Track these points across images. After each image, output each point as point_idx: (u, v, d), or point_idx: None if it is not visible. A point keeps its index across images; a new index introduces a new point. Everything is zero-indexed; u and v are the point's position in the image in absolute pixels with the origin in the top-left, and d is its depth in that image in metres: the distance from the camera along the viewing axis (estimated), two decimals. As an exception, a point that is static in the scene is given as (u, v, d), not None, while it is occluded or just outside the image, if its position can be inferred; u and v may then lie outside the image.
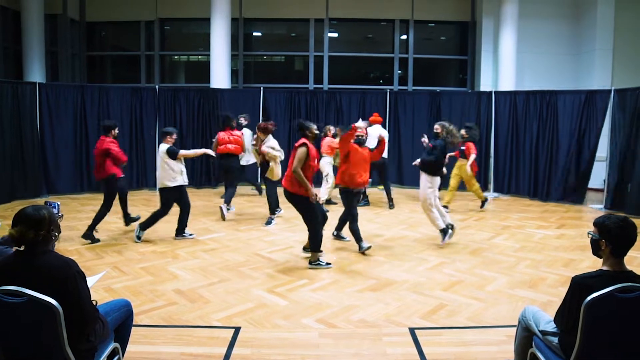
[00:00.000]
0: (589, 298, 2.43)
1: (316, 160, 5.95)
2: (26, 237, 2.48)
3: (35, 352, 2.48)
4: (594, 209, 9.64)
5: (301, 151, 5.64)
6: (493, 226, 8.08)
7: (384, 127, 10.54)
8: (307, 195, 5.62)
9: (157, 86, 11.84)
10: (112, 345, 2.85)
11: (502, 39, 12.53)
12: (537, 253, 6.49)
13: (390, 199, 9.41)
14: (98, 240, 6.69)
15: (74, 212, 8.55)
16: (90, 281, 3.07)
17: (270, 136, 7.85)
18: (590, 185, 10.25)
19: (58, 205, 2.96)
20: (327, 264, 5.78)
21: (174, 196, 6.84)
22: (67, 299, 2.44)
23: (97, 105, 10.85)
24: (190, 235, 7.00)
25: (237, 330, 4.02)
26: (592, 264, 5.65)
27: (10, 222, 2.63)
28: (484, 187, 11.24)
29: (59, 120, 10.39)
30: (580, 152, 9.99)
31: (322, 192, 9.36)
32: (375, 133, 8.53)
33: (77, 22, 13.96)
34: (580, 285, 2.55)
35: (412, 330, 4.05)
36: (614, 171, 9.48)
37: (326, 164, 9.39)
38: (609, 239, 2.57)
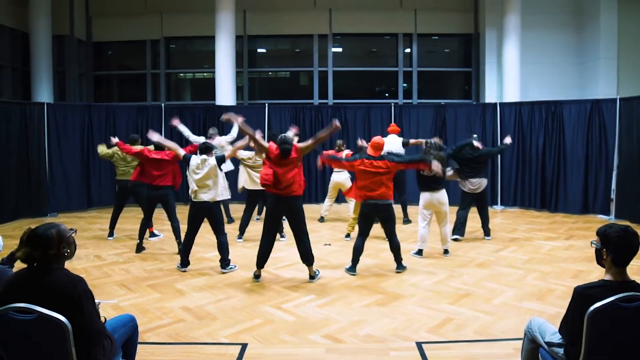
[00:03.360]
0: (591, 308, 2.43)
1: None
2: (33, 257, 2.52)
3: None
4: (602, 218, 9.57)
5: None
6: (501, 238, 8.04)
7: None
8: None
9: (162, 104, 11.96)
10: (120, 362, 2.87)
11: (506, 50, 12.56)
12: (546, 265, 6.45)
13: (405, 214, 9.32)
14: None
15: (82, 230, 8.58)
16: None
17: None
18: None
19: None
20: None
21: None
22: (74, 316, 2.46)
23: (104, 124, 11.00)
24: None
25: (244, 346, 4.01)
26: (601, 274, 5.55)
27: (15, 241, 2.66)
28: (491, 200, 11.18)
29: (66, 140, 10.52)
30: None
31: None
32: (393, 143, 8.90)
33: (84, 42, 14.17)
34: (582, 295, 2.55)
35: (419, 345, 4.03)
36: (621, 180, 9.42)
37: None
38: (610, 248, 2.57)
